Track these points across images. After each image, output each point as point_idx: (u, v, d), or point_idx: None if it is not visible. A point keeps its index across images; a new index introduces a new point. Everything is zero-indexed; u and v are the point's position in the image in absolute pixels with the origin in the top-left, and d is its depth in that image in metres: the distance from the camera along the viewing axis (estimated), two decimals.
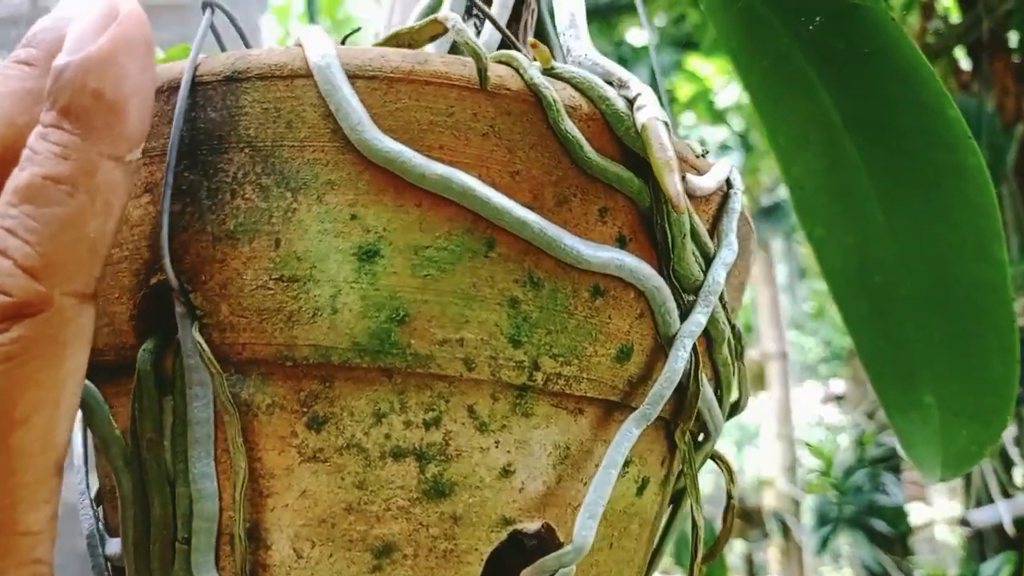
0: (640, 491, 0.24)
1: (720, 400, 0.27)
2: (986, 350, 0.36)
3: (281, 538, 0.20)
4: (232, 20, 0.22)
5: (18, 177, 0.17)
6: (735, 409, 0.29)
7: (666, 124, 0.21)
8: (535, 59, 0.21)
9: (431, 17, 0.21)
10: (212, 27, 0.22)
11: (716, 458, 0.30)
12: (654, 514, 0.26)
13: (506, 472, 0.21)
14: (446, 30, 0.21)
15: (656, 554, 0.28)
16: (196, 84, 0.21)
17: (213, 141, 0.20)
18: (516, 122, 0.20)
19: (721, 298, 0.24)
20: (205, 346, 0.20)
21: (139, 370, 0.21)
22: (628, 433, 0.22)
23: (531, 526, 0.21)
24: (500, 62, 0.21)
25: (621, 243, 0.22)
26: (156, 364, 0.21)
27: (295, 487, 0.20)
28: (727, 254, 0.24)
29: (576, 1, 0.24)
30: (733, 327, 0.26)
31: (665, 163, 0.19)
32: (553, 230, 0.20)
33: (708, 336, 0.25)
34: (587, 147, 0.20)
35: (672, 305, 0.22)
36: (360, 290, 0.20)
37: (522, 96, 0.20)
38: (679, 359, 0.22)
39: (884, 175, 0.36)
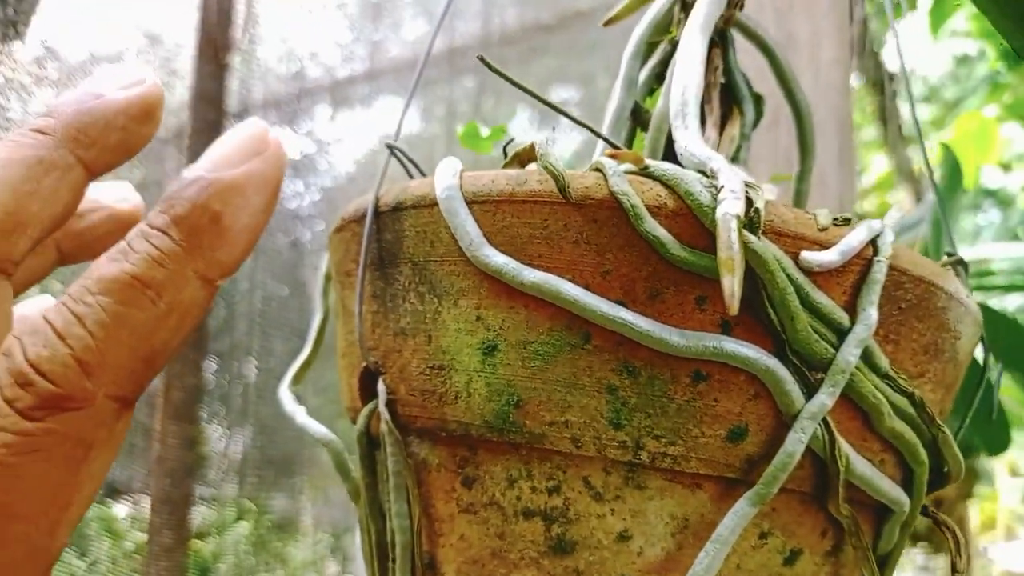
0: (789, 562, 0.24)
1: (912, 468, 0.25)
2: None
3: (449, 570, 0.26)
4: (405, 160, 0.28)
5: (106, 268, 0.17)
6: (942, 478, 0.26)
7: (745, 217, 0.21)
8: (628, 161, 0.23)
9: (531, 142, 0.24)
10: (408, 159, 0.28)
11: (943, 525, 0.28)
12: None
13: (623, 537, 0.23)
14: (524, 165, 0.23)
15: None
16: (378, 212, 0.27)
17: (390, 257, 0.26)
18: (602, 227, 0.22)
19: (875, 368, 0.23)
20: (388, 416, 0.26)
21: (357, 430, 0.27)
22: (740, 510, 0.22)
23: None
24: (594, 169, 0.23)
25: (725, 328, 0.22)
26: (367, 426, 0.27)
27: (456, 531, 0.25)
28: (862, 329, 0.22)
29: (689, 86, 0.24)
30: (910, 394, 0.24)
31: (724, 262, 0.20)
32: (642, 323, 0.22)
33: (860, 410, 0.23)
34: (672, 244, 0.22)
35: (790, 386, 0.22)
36: (485, 378, 0.24)
37: (606, 204, 0.22)
38: (796, 441, 0.22)
39: None
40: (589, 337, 0.23)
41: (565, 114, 0.24)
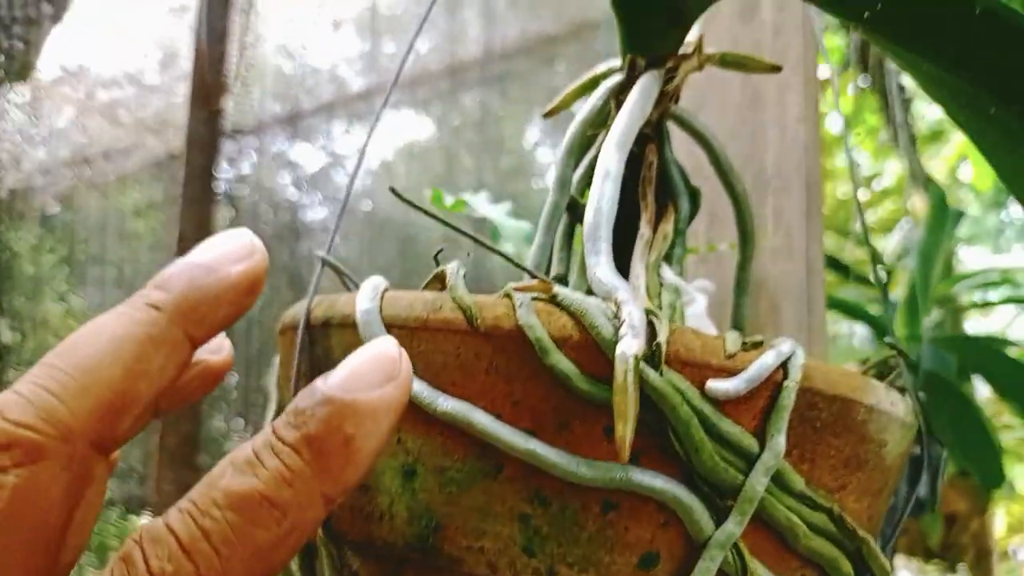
0: None
1: None
2: None
3: None
4: (341, 274, 0.28)
5: (235, 481, 0.17)
6: None
7: (647, 350, 0.21)
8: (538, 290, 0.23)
9: (438, 269, 0.24)
10: (339, 271, 0.29)
11: None
12: None
13: None
14: (445, 285, 0.24)
15: None
16: (310, 326, 0.27)
17: (321, 370, 0.27)
18: (511, 358, 0.23)
19: (788, 489, 0.23)
20: (322, 531, 0.26)
21: None
22: None
23: None
24: (505, 295, 0.23)
25: (634, 458, 0.23)
26: None
27: None
28: (769, 457, 0.22)
29: (600, 209, 0.25)
30: (828, 510, 0.24)
31: (617, 406, 0.20)
32: (552, 454, 0.22)
33: (775, 532, 0.24)
34: (576, 377, 0.22)
35: (699, 514, 0.22)
36: (406, 501, 0.24)
37: (514, 335, 0.23)
38: (705, 569, 0.22)
39: None
40: (502, 466, 0.23)
41: (479, 241, 0.25)
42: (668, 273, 0.28)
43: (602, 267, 0.24)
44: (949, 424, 0.67)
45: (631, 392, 0.20)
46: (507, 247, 0.45)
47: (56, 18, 0.86)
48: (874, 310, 0.93)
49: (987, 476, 0.69)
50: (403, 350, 0.19)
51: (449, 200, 0.46)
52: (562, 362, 0.22)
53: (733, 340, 0.23)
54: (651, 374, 0.21)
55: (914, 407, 0.30)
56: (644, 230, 0.30)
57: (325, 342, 0.26)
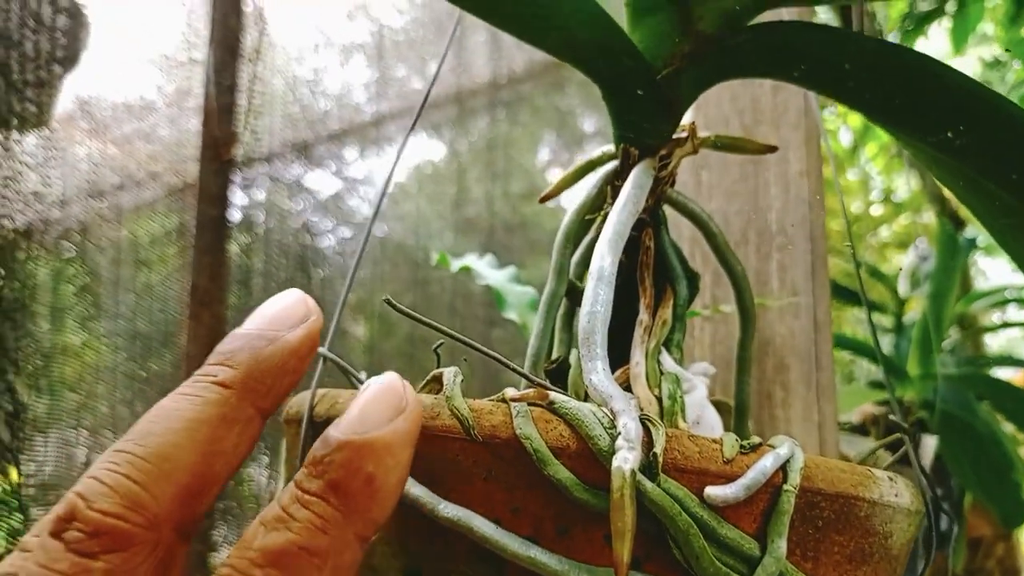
0: None
1: None
2: None
3: None
4: (344, 371, 0.29)
5: (269, 538, 0.17)
6: None
7: (645, 459, 0.21)
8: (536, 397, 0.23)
9: (436, 371, 0.25)
10: (340, 365, 0.29)
11: None
12: None
13: None
14: (441, 387, 0.24)
15: None
16: (312, 420, 0.27)
17: None
18: (510, 466, 0.23)
19: None
20: None
21: None
22: None
23: None
24: (500, 400, 0.24)
25: (636, 564, 0.23)
26: None
27: None
28: (770, 563, 0.22)
29: (595, 312, 0.25)
30: None
31: (614, 524, 0.20)
32: (553, 561, 0.22)
33: None
34: (575, 487, 0.22)
35: None
36: None
37: (511, 444, 0.23)
38: None
39: None
40: (503, 571, 0.23)
41: (479, 350, 0.25)
42: (668, 360, 0.28)
43: (598, 373, 0.24)
44: (968, 463, 0.67)
45: (628, 508, 0.20)
46: (510, 313, 0.45)
47: (69, 66, 0.88)
48: (887, 339, 0.93)
49: (1008, 517, 0.68)
50: (406, 382, 0.20)
51: (456, 264, 0.46)
52: (560, 472, 0.22)
53: (730, 445, 0.23)
54: (648, 485, 0.21)
55: (920, 484, 0.30)
56: (643, 316, 0.30)
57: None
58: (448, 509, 0.23)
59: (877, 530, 0.25)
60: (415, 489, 0.24)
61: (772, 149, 0.31)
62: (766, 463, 0.23)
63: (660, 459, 0.22)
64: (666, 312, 0.30)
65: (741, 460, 0.23)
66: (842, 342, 0.85)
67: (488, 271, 0.48)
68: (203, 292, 0.75)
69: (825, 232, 0.44)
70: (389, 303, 0.25)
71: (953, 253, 0.67)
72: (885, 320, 1.09)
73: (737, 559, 0.23)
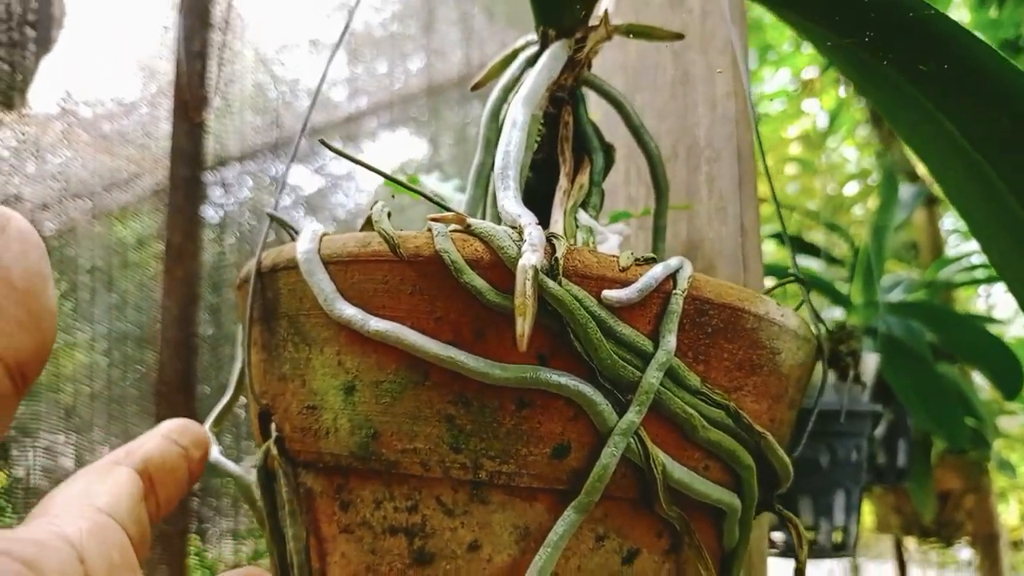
0: (628, 560, 0.27)
1: (738, 472, 0.28)
2: None
3: None
4: (286, 226, 0.32)
5: None
6: (776, 479, 0.29)
7: (547, 264, 0.24)
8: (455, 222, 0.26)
9: (367, 212, 0.28)
10: (285, 225, 0.32)
11: (786, 520, 0.31)
12: None
13: (473, 547, 0.27)
14: (372, 223, 0.27)
15: None
16: (260, 273, 0.30)
17: (271, 312, 0.30)
18: (432, 280, 0.26)
19: (684, 385, 0.27)
20: (277, 452, 0.29)
21: (257, 464, 0.31)
22: (568, 518, 0.26)
23: None
24: (427, 229, 0.27)
25: (542, 360, 0.26)
26: (265, 461, 0.31)
27: (338, 550, 0.29)
28: (662, 355, 0.26)
29: (509, 152, 0.28)
30: (725, 407, 0.27)
31: (517, 307, 0.23)
32: (470, 360, 0.25)
33: (675, 424, 0.27)
34: (488, 292, 0.25)
35: (602, 407, 0.26)
36: (347, 415, 0.27)
37: (433, 260, 0.26)
38: (609, 454, 0.25)
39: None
40: (428, 375, 0.26)
41: (411, 189, 0.28)
42: (584, 216, 0.32)
43: (509, 200, 0.27)
44: (912, 388, 0.70)
45: (530, 295, 0.24)
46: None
47: (44, 46, 0.90)
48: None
49: (952, 437, 0.71)
50: None
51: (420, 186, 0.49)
52: (475, 280, 0.25)
53: (626, 256, 0.26)
54: (550, 284, 0.25)
55: (819, 332, 0.33)
56: (563, 182, 0.33)
57: (274, 286, 0.30)
58: (378, 324, 0.26)
59: (764, 344, 0.28)
60: (348, 310, 0.27)
61: (679, 36, 0.34)
62: (657, 271, 0.26)
63: (561, 263, 0.25)
64: (583, 178, 0.33)
65: (636, 269, 0.26)
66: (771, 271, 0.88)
67: (434, 182, 0.51)
68: (177, 248, 0.78)
69: (753, 149, 0.47)
70: (323, 143, 0.28)
71: (892, 189, 0.71)
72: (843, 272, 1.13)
73: (633, 354, 0.26)
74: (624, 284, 0.26)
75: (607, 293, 0.25)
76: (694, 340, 0.27)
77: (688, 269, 0.27)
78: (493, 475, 0.26)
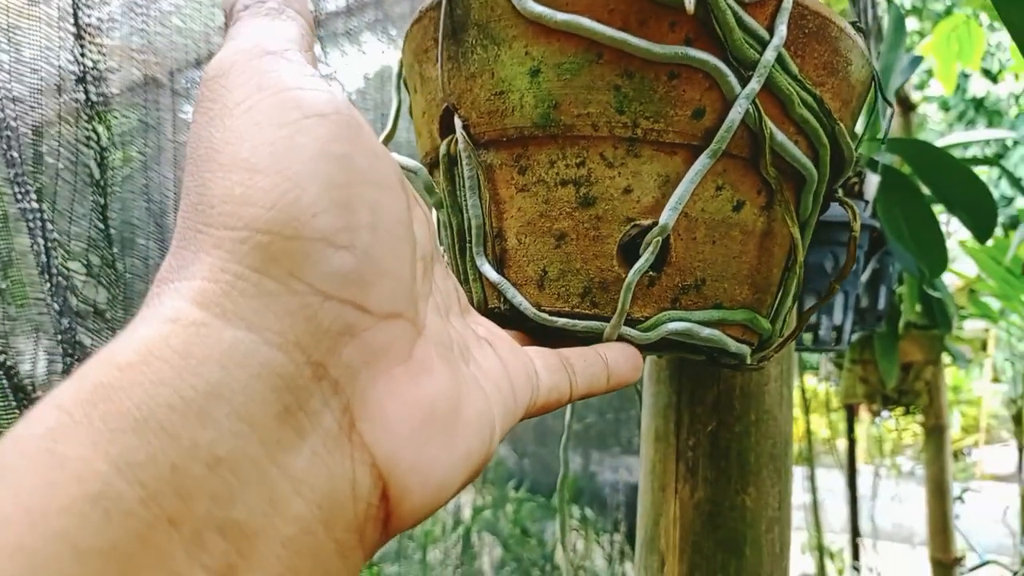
0: (736, 209, 0.37)
1: (817, 150, 0.37)
2: None
3: (511, 235, 0.38)
4: None
5: None
6: (842, 163, 0.39)
7: None
8: None
9: None
10: None
11: (843, 203, 0.41)
12: (760, 229, 0.38)
13: (627, 191, 0.36)
14: None
15: (789, 269, 0.40)
16: None
17: (460, 26, 0.38)
18: None
19: (787, 71, 0.35)
20: (465, 135, 0.38)
21: (442, 153, 0.40)
22: (702, 161, 0.35)
23: (645, 222, 0.36)
24: None
25: (688, 43, 0.34)
26: (448, 150, 0.40)
27: (515, 206, 0.38)
28: (776, 40, 0.35)
29: None
30: (813, 94, 0.36)
31: None
32: (636, 40, 0.34)
33: (779, 99, 0.36)
34: None
35: (731, 79, 0.35)
36: (533, 92, 0.36)
37: None
38: (735, 112, 0.35)
39: None
40: (601, 55, 0.35)
41: None
42: None
43: None
44: (903, 217, 0.80)
45: None
46: None
47: None
48: None
49: (933, 265, 0.82)
50: None
51: None
52: None
53: None
54: None
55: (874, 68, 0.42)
56: None
57: (464, 4, 0.38)
58: (563, 16, 0.35)
59: (842, 53, 0.37)
60: (538, 7, 0.35)
61: None
62: None
63: None
64: None
65: None
66: None
67: None
68: None
69: None
70: None
71: (900, 31, 0.80)
72: None
73: (754, 39, 0.35)
74: None
75: None
76: (795, 38, 0.36)
77: None
78: (647, 132, 0.35)
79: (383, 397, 0.20)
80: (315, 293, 0.19)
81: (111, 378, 0.16)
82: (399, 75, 0.46)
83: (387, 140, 0.44)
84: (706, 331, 0.37)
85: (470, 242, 0.39)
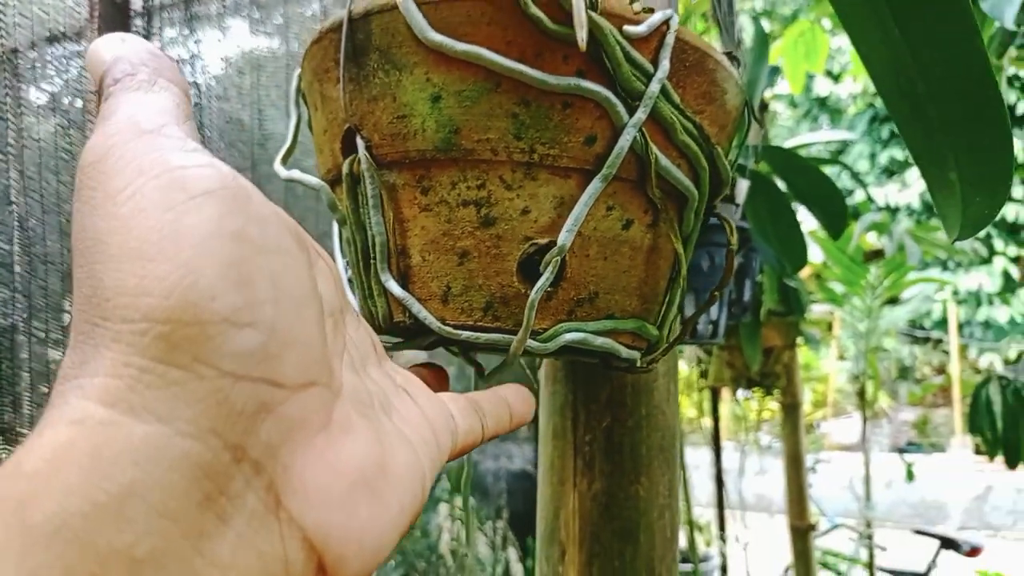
0: (626, 227, 0.40)
1: (697, 172, 0.41)
2: (984, 129, 0.45)
3: (415, 252, 0.40)
4: None
5: None
6: (720, 184, 0.42)
7: (588, 3, 0.35)
8: None
9: None
10: None
11: (720, 217, 0.44)
12: (647, 245, 0.41)
13: (525, 211, 0.38)
14: None
15: (674, 280, 0.43)
16: (352, 20, 0.39)
17: (361, 50, 0.39)
18: (505, 12, 0.36)
19: (670, 101, 0.39)
20: (368, 156, 0.39)
21: (343, 171, 0.41)
22: (595, 185, 0.38)
23: (542, 241, 0.38)
24: None
25: (580, 75, 0.37)
26: (351, 169, 0.41)
27: (418, 225, 0.39)
28: (660, 73, 0.38)
29: None
30: (693, 121, 0.40)
31: (577, 27, 0.34)
32: (531, 71, 0.36)
33: (663, 127, 0.39)
34: (546, 22, 0.36)
35: (620, 109, 0.37)
36: (434, 118, 0.38)
37: None
38: (624, 139, 0.37)
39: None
40: (500, 84, 0.37)
41: None
42: None
43: None
44: (769, 219, 0.87)
45: (583, 18, 0.35)
46: None
47: None
48: None
49: (795, 261, 0.89)
50: None
51: None
52: (537, 12, 0.36)
53: (638, 6, 0.38)
54: (592, 14, 0.36)
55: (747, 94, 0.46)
56: None
57: (366, 28, 0.39)
58: (463, 45, 0.36)
59: (719, 83, 0.41)
60: (437, 37, 0.37)
61: None
62: (660, 15, 0.38)
63: (599, 3, 0.36)
64: None
65: (644, 14, 0.38)
66: None
67: None
68: None
69: None
70: None
71: (763, 46, 0.86)
72: None
73: (640, 72, 0.38)
74: (637, 23, 0.37)
75: (628, 28, 0.37)
76: (677, 70, 0.39)
77: (676, 17, 0.38)
78: (543, 157, 0.37)
79: (307, 468, 0.20)
80: (224, 376, 0.19)
81: (18, 491, 0.16)
82: (298, 90, 0.46)
83: (286, 158, 0.45)
84: (600, 340, 0.40)
85: (374, 258, 0.41)
